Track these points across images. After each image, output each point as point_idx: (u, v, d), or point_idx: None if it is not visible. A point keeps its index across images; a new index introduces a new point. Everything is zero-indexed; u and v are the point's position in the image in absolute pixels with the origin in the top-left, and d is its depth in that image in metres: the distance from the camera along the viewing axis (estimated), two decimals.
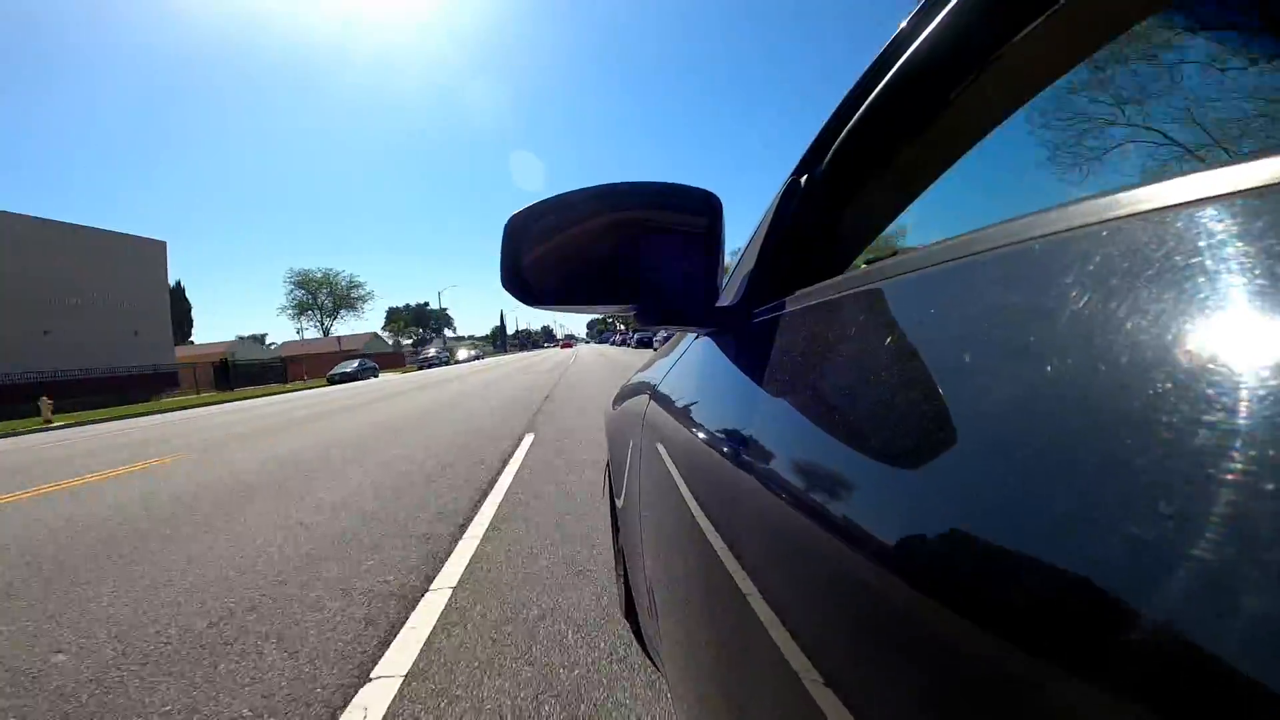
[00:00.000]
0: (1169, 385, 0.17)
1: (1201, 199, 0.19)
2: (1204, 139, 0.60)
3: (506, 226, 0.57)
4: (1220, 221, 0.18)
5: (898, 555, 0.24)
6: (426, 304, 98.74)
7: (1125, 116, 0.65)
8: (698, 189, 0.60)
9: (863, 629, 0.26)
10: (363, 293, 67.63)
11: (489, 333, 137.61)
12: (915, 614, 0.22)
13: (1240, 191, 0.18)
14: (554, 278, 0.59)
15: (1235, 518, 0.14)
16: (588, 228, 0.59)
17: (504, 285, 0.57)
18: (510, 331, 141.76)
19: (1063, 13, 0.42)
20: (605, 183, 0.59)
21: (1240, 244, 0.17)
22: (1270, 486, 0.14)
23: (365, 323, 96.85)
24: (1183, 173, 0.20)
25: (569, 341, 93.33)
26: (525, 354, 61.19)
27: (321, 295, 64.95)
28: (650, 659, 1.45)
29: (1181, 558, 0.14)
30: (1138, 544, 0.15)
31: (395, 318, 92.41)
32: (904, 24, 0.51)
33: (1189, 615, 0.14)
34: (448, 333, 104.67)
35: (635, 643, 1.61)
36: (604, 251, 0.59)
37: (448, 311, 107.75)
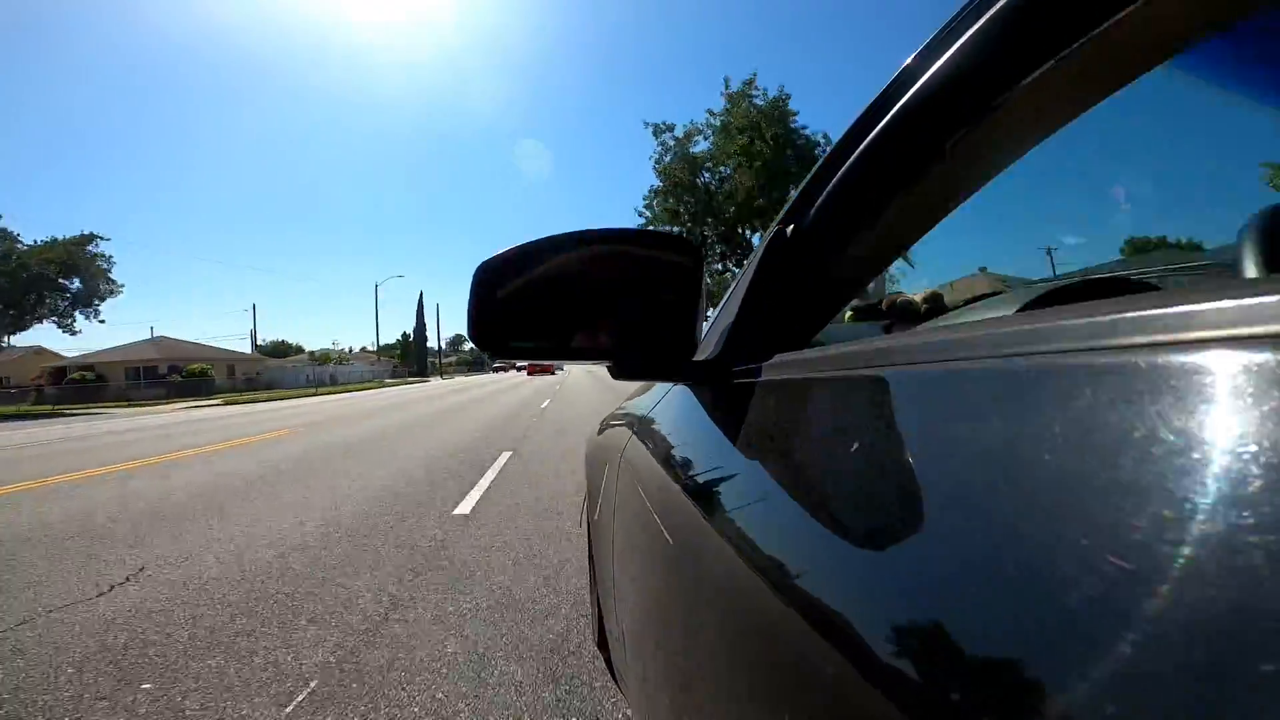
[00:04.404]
0: (1150, 529, 0.16)
1: (1215, 338, 0.17)
2: (1205, 198, 0.59)
3: (476, 274, 0.54)
4: (1224, 366, 0.16)
5: (850, 622, 0.25)
6: None
7: (1124, 172, 0.64)
8: (677, 236, 0.58)
9: (814, 684, 0.26)
10: None
11: (397, 340, 69.81)
12: (861, 675, 0.23)
13: (1251, 336, 0.16)
14: (526, 328, 0.56)
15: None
16: (561, 277, 0.56)
17: (471, 337, 0.54)
18: (444, 337, 77.99)
19: (1064, 64, 0.40)
20: (580, 229, 0.56)
21: (1244, 395, 0.15)
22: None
23: None
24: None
25: (542, 364, 20.37)
26: (434, 388, 27.44)
27: None
28: (620, 689, 1.43)
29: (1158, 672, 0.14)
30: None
31: None
32: (898, 72, 0.49)
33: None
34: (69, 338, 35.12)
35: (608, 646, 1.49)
36: (578, 302, 0.56)
37: (97, 255, 34.58)
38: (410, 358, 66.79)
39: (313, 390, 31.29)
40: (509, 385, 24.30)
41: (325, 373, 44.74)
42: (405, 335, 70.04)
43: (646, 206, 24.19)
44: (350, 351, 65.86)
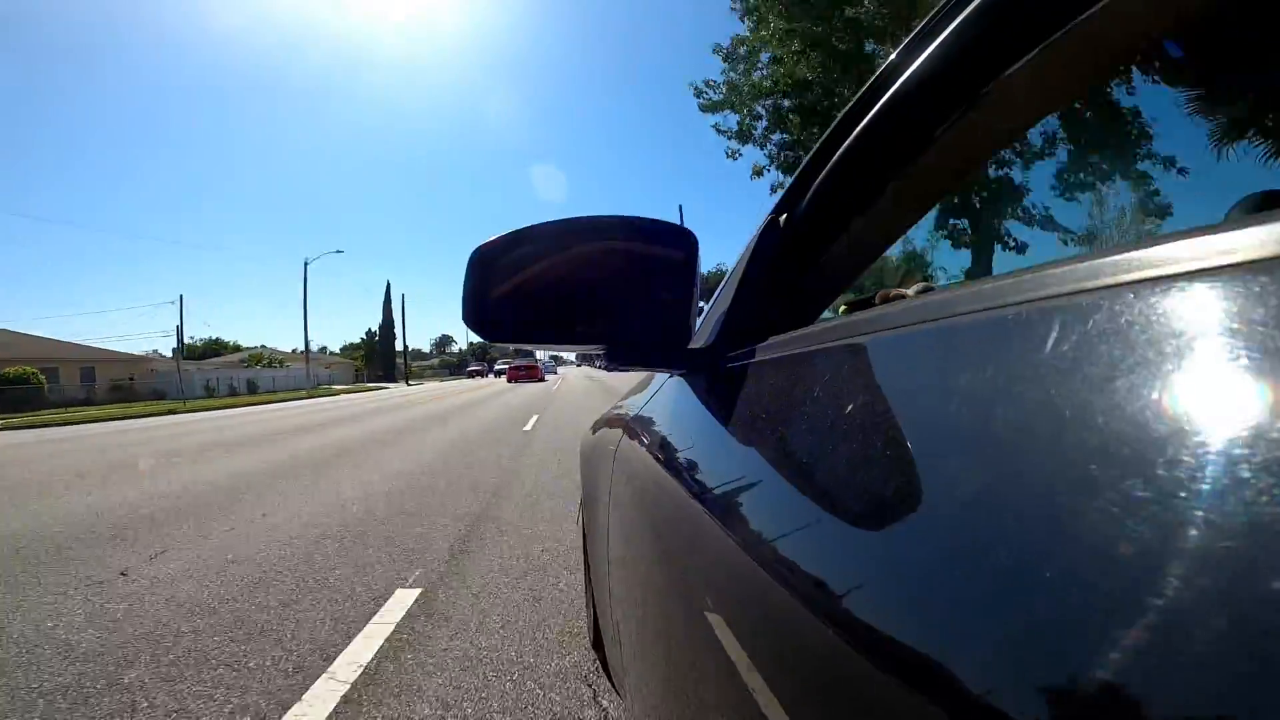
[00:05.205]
0: (1149, 463, 0.15)
1: (1194, 270, 0.17)
2: (1186, 179, 0.60)
3: (471, 258, 0.55)
4: (1211, 295, 0.17)
5: (854, 611, 0.24)
6: None
7: (1113, 154, 0.65)
8: (674, 225, 0.59)
9: (818, 676, 0.26)
10: None
11: (361, 339, 59.51)
12: (867, 666, 0.22)
13: (1235, 265, 0.16)
14: (521, 314, 0.56)
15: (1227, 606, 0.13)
16: (557, 262, 0.56)
17: (465, 321, 0.54)
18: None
19: (1053, 50, 0.40)
20: (577, 215, 0.56)
21: (1232, 320, 0.16)
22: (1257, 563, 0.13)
23: None
24: (1170, 233, 0.19)
25: (527, 367, 28.48)
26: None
27: None
28: (615, 688, 1.42)
29: (1167, 644, 0.14)
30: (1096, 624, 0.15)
31: None
32: (887, 62, 0.50)
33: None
34: None
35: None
36: (574, 288, 0.57)
37: None
38: (376, 359, 54.91)
39: (167, 408, 18.16)
40: (472, 400, 15.11)
41: (241, 378, 34.75)
42: (370, 333, 58.20)
43: (736, 50, 11.55)
44: (301, 350, 50.03)
